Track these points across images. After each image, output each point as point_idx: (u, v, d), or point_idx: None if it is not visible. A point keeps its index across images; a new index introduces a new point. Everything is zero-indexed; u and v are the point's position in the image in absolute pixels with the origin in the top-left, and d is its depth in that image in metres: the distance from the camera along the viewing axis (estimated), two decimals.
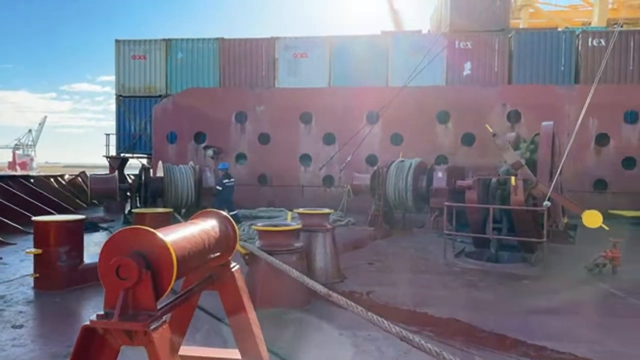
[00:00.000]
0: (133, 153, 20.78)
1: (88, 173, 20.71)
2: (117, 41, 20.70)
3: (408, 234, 11.38)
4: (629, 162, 15.81)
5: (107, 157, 20.67)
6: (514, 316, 5.10)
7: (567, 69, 18.22)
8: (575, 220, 8.77)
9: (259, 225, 5.39)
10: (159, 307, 2.07)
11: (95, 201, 16.10)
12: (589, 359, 3.81)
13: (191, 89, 18.59)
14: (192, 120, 17.83)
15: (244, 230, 10.73)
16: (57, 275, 5.60)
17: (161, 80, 20.40)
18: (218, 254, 2.77)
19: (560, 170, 8.50)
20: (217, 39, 20.03)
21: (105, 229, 11.56)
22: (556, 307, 5.43)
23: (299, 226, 5.37)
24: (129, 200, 12.83)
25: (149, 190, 11.74)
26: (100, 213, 16.06)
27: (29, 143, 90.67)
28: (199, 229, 2.47)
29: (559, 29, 19.84)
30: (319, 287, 3.51)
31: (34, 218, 5.75)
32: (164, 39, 20.44)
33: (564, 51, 18.28)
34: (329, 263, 6.32)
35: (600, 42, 18.17)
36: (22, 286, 5.86)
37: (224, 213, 2.86)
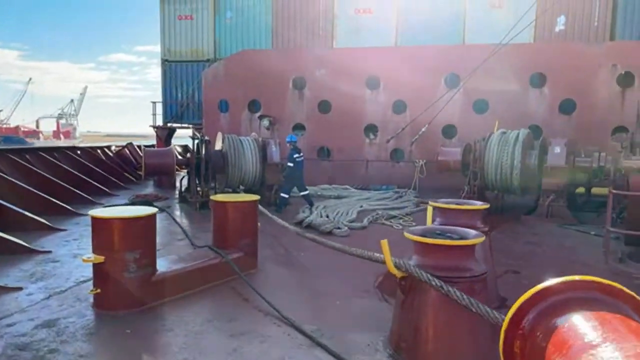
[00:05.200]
0: (181, 123, 19.44)
1: (135, 144, 19.65)
2: (162, 0, 19.06)
3: (518, 223, 9.40)
4: None
5: (154, 127, 19.44)
6: None
7: None
8: None
9: (412, 228, 3.61)
10: None
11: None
12: None
13: (244, 51, 16.79)
14: (245, 86, 16.11)
15: (321, 215, 9.05)
16: (125, 292, 4.08)
17: (209, 43, 18.75)
18: None
19: None
20: None
21: (161, 210, 10.15)
22: None
23: (484, 234, 3.51)
24: (184, 175, 11.39)
25: (209, 166, 10.21)
26: (149, 188, 14.87)
27: (72, 112, 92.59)
28: None
29: None
30: None
31: (91, 213, 4.20)
32: None
33: None
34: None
35: None
36: (78, 301, 4.41)
37: None
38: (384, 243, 3.39)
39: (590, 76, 13.84)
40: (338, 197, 12.19)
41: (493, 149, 10.42)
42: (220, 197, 5.61)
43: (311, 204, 10.03)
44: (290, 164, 9.80)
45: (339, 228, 7.79)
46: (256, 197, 5.63)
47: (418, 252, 3.47)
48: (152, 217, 4.31)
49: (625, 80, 13.78)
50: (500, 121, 12.64)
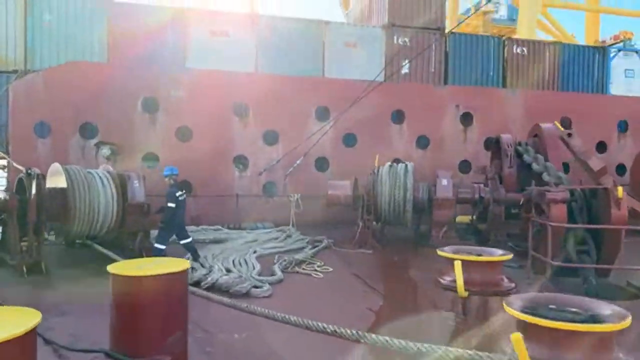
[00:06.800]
0: None
1: None
2: None
3: (419, 256, 9.15)
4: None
5: None
6: None
7: (495, 73, 18.43)
8: None
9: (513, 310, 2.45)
10: None
11: None
12: None
13: (75, 62, 13.38)
14: (76, 106, 12.73)
15: (222, 271, 7.08)
16: None
17: (18, 50, 14.45)
18: None
19: None
20: (104, 1, 15.07)
21: None
22: None
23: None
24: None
25: (43, 210, 7.16)
26: None
27: None
28: None
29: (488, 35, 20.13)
30: None
31: None
32: None
33: (492, 56, 18.47)
34: None
35: (523, 50, 18.81)
36: None
37: None
38: (518, 339, 2.14)
39: (439, 115, 15.29)
40: (217, 241, 10.21)
41: (385, 182, 10.16)
42: (125, 267, 3.43)
43: (197, 256, 7.91)
44: (172, 205, 7.58)
45: (256, 287, 6.06)
46: (184, 262, 3.65)
47: (541, 340, 2.32)
48: (31, 335, 2.12)
49: (465, 119, 15.65)
50: (368, 155, 12.84)
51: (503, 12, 38.51)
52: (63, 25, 14.62)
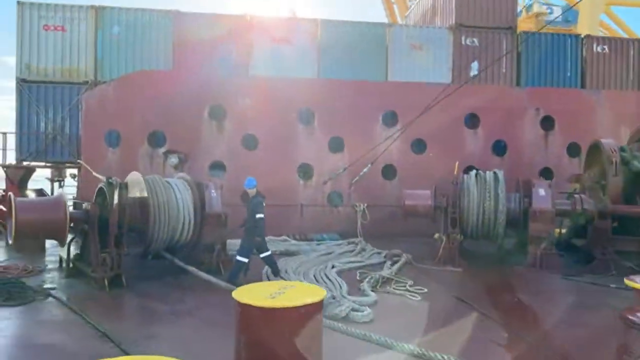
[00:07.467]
0: (45, 160, 14.76)
1: None
2: (20, 3, 14.70)
3: (521, 278, 8.16)
4: None
5: (2, 166, 14.36)
6: None
7: (572, 73, 17.01)
8: None
9: None
10: None
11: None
12: None
13: (143, 71, 13.51)
14: (145, 115, 12.76)
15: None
16: None
17: (89, 62, 14.87)
18: None
19: None
20: (169, 11, 15.25)
21: (46, 294, 6.40)
22: None
23: None
24: (74, 236, 7.71)
25: (124, 221, 6.90)
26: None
27: None
28: None
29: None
30: None
31: None
32: (92, 6, 15.02)
33: (569, 55, 17.07)
34: None
35: (604, 48, 17.28)
36: None
37: None
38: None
39: (517, 119, 14.15)
40: (289, 254, 9.71)
41: (472, 192, 9.26)
42: (254, 295, 2.88)
43: (277, 270, 7.40)
44: (261, 215, 7.17)
45: (356, 310, 5.41)
46: (320, 291, 3.07)
47: None
48: None
49: (546, 123, 14.40)
50: (439, 161, 12.00)
51: (557, 14, 36.40)
52: (131, 36, 14.90)
